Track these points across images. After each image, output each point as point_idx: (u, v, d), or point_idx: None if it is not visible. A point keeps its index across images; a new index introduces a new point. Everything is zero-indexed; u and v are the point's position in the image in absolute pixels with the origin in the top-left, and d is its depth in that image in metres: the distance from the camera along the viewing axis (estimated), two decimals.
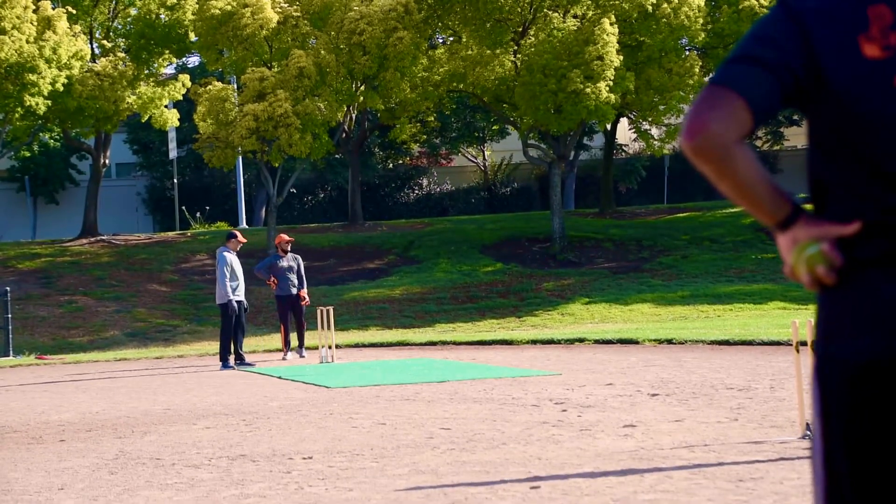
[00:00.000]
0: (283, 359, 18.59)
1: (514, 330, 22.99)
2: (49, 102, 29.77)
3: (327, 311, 17.74)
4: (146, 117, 32.99)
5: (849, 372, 2.20)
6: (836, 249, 2.24)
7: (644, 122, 32.90)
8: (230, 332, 17.41)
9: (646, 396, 10.83)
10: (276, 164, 30.34)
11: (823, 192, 2.29)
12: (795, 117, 45.21)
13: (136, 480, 7.53)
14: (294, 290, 18.62)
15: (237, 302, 17.48)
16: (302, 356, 18.61)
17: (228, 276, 17.36)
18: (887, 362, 2.16)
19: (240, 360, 17.49)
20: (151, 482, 7.42)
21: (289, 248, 18.99)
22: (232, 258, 17.56)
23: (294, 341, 19.01)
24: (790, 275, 2.29)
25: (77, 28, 31.25)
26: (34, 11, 29.88)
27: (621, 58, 28.37)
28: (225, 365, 17.22)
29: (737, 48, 2.30)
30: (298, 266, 18.80)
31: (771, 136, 47.45)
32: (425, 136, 42.22)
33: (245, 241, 18.51)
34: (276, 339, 20.89)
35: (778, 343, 15.65)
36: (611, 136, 37.86)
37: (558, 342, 18.70)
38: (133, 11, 33.42)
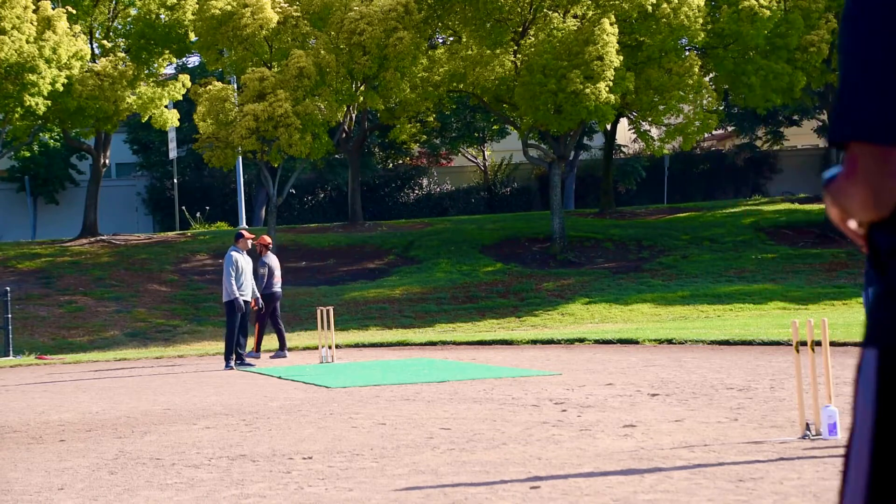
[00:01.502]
0: (263, 358, 18.69)
1: (514, 330, 22.99)
2: (49, 102, 29.76)
3: (327, 311, 17.73)
4: (146, 117, 32.99)
5: None
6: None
7: (644, 123, 32.90)
8: (235, 331, 17.38)
9: (646, 396, 10.83)
10: (276, 164, 30.34)
11: None
12: (795, 117, 45.19)
13: (136, 480, 7.53)
14: (259, 293, 18.38)
15: (244, 301, 17.45)
16: (280, 356, 18.66)
17: (234, 274, 17.32)
18: None
19: (240, 360, 17.49)
20: (151, 482, 7.42)
21: (261, 249, 18.80)
22: (239, 257, 17.47)
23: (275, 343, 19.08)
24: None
25: (77, 28, 31.24)
26: (34, 11, 29.87)
27: (621, 58, 28.36)
28: (227, 365, 17.22)
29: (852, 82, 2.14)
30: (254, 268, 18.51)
31: (771, 136, 47.38)
32: (425, 136, 42.20)
33: (252, 237, 18.33)
34: (274, 340, 20.92)
35: (778, 343, 15.65)
36: (611, 136, 37.85)
37: (558, 342, 18.69)
38: (133, 11, 33.42)
